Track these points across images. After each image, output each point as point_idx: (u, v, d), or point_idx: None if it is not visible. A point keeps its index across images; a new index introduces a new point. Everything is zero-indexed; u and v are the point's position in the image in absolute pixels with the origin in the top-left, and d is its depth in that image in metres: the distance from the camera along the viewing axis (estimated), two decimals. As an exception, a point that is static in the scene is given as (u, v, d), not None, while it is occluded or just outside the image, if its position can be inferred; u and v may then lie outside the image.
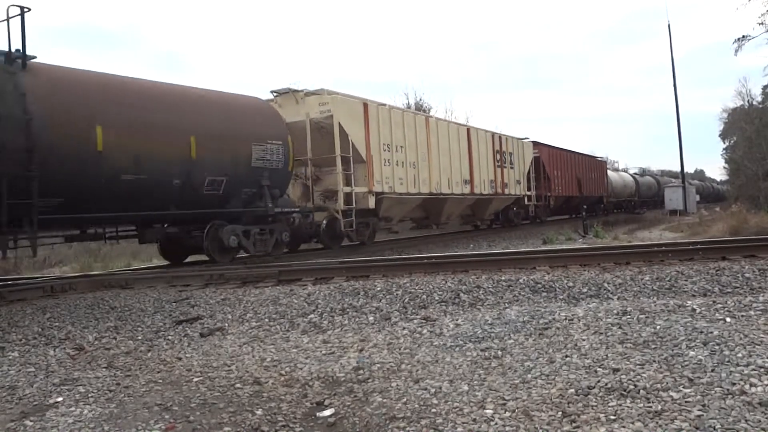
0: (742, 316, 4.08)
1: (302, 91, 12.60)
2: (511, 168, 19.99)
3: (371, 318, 5.40)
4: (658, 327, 3.96)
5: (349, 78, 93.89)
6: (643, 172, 53.21)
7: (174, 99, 9.21)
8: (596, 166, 31.39)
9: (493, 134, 18.90)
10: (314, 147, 12.10)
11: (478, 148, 17.53)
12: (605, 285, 5.60)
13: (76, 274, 10.55)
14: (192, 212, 9.27)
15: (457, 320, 4.87)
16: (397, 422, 2.99)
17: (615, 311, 4.45)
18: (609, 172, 34.55)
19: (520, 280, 5.95)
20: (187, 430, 3.15)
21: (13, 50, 7.22)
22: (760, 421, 2.54)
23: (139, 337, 5.45)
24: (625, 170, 47.75)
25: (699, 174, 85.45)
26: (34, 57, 7.59)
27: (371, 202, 12.80)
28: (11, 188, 6.80)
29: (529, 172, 21.60)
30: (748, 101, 38.60)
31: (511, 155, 20.12)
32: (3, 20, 7.17)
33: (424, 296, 5.78)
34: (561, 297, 5.45)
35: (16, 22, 7.22)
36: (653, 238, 17.29)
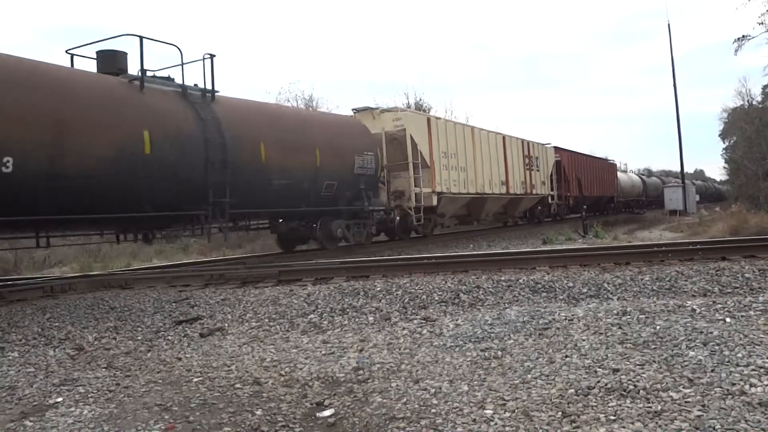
0: (742, 316, 4.08)
1: (378, 108, 15.52)
2: (537, 171, 22.33)
3: (371, 318, 5.40)
4: (657, 327, 3.96)
5: (350, 78, 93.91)
6: (650, 173, 54.16)
7: (304, 120, 12.42)
8: (608, 168, 33.51)
9: (522, 141, 21.24)
10: (388, 155, 14.49)
11: (511, 153, 20.14)
12: (605, 285, 5.60)
13: (76, 274, 10.55)
14: (315, 209, 11.79)
15: (457, 320, 4.88)
16: (397, 422, 2.99)
17: (615, 311, 4.45)
18: (618, 173, 36.02)
19: (520, 281, 5.95)
20: (187, 430, 3.15)
21: (196, 85, 9.69)
22: (759, 421, 2.54)
23: (139, 338, 5.45)
24: (633, 171, 48.65)
25: (699, 174, 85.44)
26: (218, 91, 9.94)
27: (434, 201, 15.24)
28: (214, 192, 9.27)
29: (551, 174, 23.91)
30: (748, 101, 38.58)
31: (537, 159, 22.46)
32: (197, 61, 9.78)
33: (424, 296, 5.78)
34: (561, 297, 5.45)
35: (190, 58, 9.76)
36: (653, 238, 17.29)
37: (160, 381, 4.07)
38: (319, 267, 7.89)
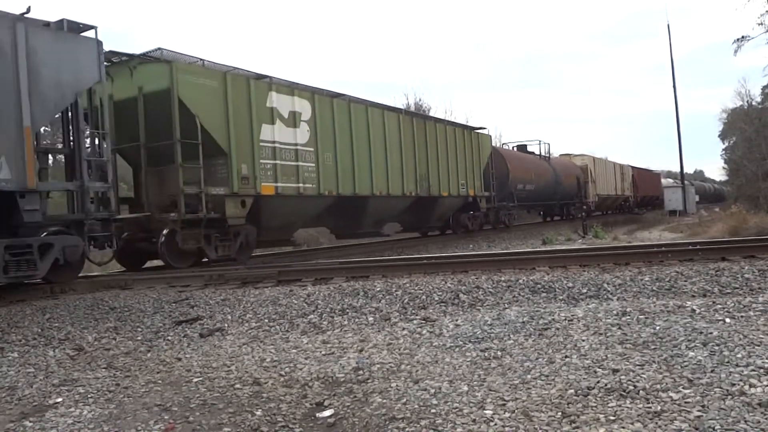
0: (742, 316, 4.08)
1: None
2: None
3: (371, 318, 5.40)
4: (657, 327, 3.96)
5: (350, 79, 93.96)
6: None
7: (527, 156, 23.89)
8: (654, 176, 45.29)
9: (622, 167, 33.45)
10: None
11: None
12: (605, 285, 5.60)
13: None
14: (552, 203, 23.92)
15: (456, 321, 4.88)
16: (396, 423, 2.99)
17: (614, 312, 4.45)
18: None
19: (520, 281, 5.95)
20: (187, 430, 3.15)
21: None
22: (759, 421, 2.54)
23: (139, 338, 5.45)
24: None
25: (699, 174, 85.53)
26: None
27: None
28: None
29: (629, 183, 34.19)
30: (747, 101, 38.62)
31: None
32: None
33: (424, 297, 5.78)
34: (560, 297, 5.45)
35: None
36: (653, 238, 17.30)
37: (160, 381, 4.07)
38: (319, 267, 7.90)
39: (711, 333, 3.70)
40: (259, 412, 3.34)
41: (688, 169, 62.03)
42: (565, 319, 4.43)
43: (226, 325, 5.62)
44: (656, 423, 2.63)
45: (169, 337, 5.39)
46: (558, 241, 16.04)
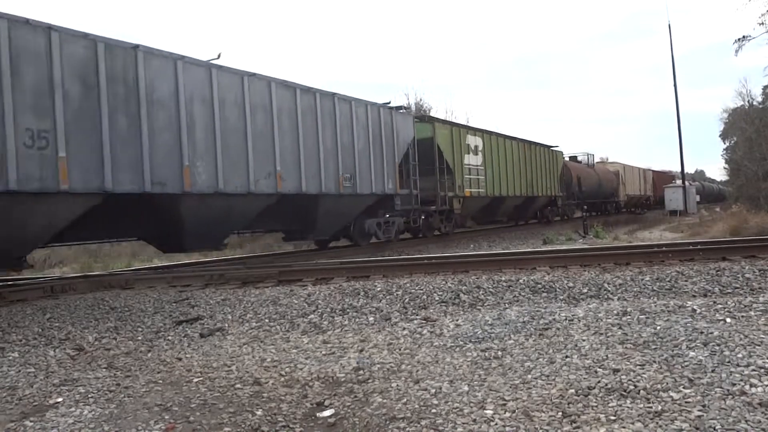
0: (743, 316, 4.08)
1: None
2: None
3: (371, 318, 5.40)
4: (658, 327, 3.96)
5: (350, 79, 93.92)
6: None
7: (581, 165, 29.65)
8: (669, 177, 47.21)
9: (644, 171, 38.15)
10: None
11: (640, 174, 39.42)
12: (605, 285, 5.60)
13: (76, 275, 10.55)
14: (597, 201, 30.45)
15: (457, 321, 4.87)
16: (397, 422, 2.99)
17: (615, 312, 4.45)
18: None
19: (521, 281, 5.95)
20: (187, 430, 3.15)
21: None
22: (760, 421, 2.54)
23: (139, 338, 5.45)
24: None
25: (699, 174, 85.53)
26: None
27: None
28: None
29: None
30: (748, 101, 38.57)
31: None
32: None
33: (425, 296, 5.78)
34: (561, 297, 5.45)
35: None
36: (653, 238, 17.28)
37: (161, 381, 4.07)
38: (320, 267, 7.89)
39: (712, 333, 3.70)
40: (259, 412, 3.34)
41: (689, 169, 62.33)
42: (566, 319, 4.42)
43: (226, 325, 5.62)
44: (657, 423, 2.63)
45: (170, 337, 5.39)
46: (559, 241, 16.02)
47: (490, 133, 19.53)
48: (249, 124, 10.07)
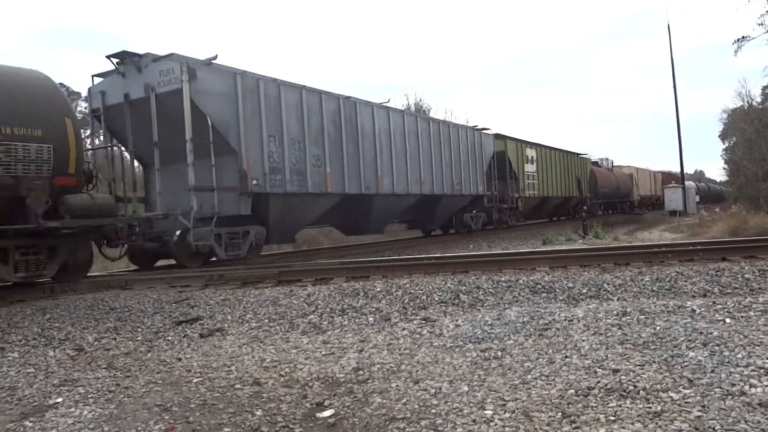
0: (742, 317, 4.08)
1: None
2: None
3: (371, 319, 5.40)
4: (657, 328, 3.96)
5: (350, 79, 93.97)
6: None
7: (602, 169, 34.25)
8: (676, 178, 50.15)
9: (654, 173, 41.16)
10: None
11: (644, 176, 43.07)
12: (605, 286, 5.60)
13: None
14: (615, 201, 36.27)
15: (456, 321, 4.88)
16: (396, 423, 2.99)
17: (615, 312, 4.45)
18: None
19: (520, 281, 5.95)
20: (187, 430, 3.15)
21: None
22: (759, 421, 2.54)
23: (139, 338, 5.45)
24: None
25: (699, 175, 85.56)
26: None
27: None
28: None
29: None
30: (747, 102, 38.56)
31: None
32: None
33: (424, 297, 5.78)
34: (561, 298, 5.45)
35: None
36: (653, 238, 17.30)
37: (160, 381, 4.07)
38: (319, 267, 7.89)
39: (711, 333, 3.70)
40: (259, 413, 3.34)
41: (689, 170, 62.47)
42: (566, 320, 4.43)
43: (226, 325, 5.62)
44: (656, 423, 2.63)
45: (170, 338, 5.39)
46: (558, 242, 16.04)
47: (540, 145, 24.59)
48: (408, 147, 15.11)
